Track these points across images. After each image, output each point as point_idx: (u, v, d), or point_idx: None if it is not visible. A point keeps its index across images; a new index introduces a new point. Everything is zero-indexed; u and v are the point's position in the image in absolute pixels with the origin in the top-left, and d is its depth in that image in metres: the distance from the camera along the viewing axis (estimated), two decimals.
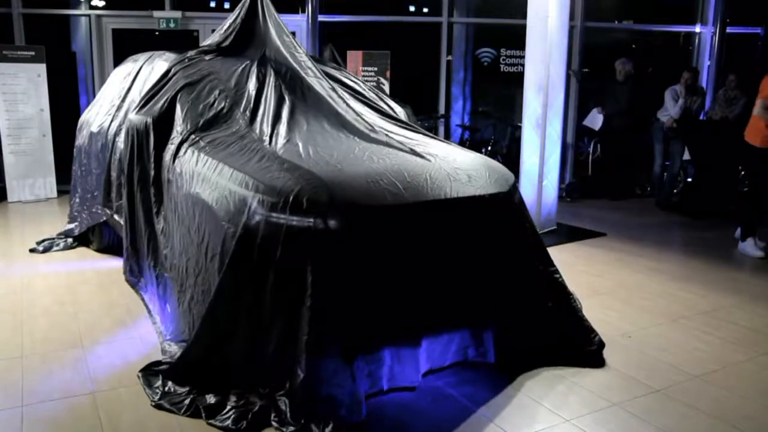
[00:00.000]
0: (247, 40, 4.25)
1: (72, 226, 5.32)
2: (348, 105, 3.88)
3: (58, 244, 5.28)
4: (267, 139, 3.39)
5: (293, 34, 4.51)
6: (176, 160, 3.41)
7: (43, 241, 5.32)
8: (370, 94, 4.35)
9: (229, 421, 2.63)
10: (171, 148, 3.52)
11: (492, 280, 3.07)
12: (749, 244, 5.56)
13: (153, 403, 2.79)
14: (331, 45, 8.01)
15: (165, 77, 3.94)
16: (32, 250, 5.21)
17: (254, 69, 3.94)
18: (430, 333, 2.92)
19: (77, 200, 5.26)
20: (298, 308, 2.59)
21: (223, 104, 3.68)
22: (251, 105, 3.70)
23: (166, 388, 2.85)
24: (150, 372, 3.01)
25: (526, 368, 3.16)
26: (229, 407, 2.70)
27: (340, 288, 2.63)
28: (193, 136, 3.46)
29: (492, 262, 3.08)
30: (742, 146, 5.57)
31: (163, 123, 3.64)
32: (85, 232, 5.23)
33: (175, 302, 3.32)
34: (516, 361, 3.15)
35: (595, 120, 8.27)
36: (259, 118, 3.60)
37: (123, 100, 4.72)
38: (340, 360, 2.58)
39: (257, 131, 3.48)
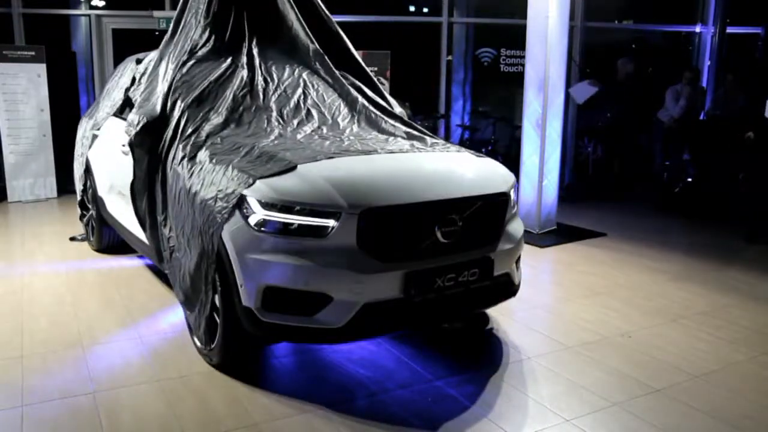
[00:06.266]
0: (251, 29, 4.20)
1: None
2: (354, 100, 3.89)
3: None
4: (268, 136, 3.38)
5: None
6: (175, 159, 3.40)
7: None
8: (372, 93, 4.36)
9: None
10: (168, 146, 3.50)
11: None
12: None
13: None
14: None
15: (163, 76, 3.93)
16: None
17: (259, 65, 3.93)
18: None
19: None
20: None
21: (222, 102, 3.67)
22: (252, 102, 3.69)
23: None
24: None
25: None
26: None
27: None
28: (193, 135, 3.44)
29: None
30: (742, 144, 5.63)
31: (162, 122, 3.63)
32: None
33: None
34: None
35: (583, 91, 7.56)
36: (256, 115, 3.60)
37: (123, 100, 4.71)
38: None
39: (259, 129, 3.47)
